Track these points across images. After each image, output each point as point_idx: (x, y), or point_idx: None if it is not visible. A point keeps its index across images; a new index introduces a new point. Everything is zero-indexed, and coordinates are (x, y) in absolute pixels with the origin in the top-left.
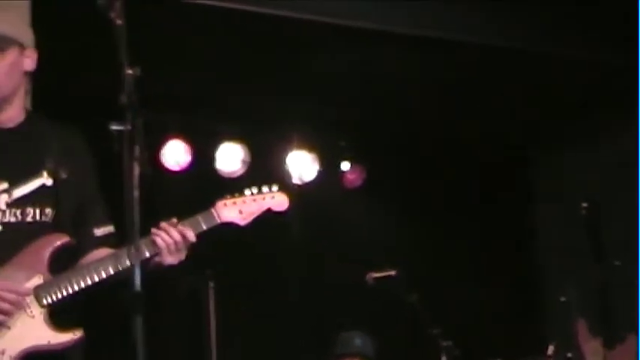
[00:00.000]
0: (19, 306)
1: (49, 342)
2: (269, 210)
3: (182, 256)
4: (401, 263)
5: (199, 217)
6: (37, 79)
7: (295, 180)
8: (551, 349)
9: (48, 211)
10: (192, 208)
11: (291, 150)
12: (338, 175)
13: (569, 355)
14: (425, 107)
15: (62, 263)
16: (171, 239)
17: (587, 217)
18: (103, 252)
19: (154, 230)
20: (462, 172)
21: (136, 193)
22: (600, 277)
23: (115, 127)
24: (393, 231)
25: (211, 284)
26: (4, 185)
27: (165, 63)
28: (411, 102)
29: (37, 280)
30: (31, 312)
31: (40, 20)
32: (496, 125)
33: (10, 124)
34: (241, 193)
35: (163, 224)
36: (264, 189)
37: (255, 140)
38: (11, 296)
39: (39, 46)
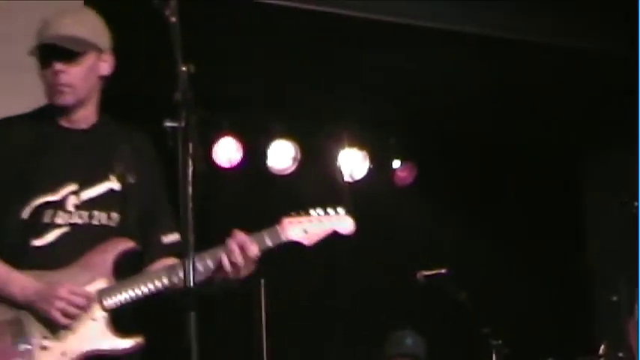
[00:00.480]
0: (86, 310)
1: (110, 347)
2: (334, 232)
3: (247, 271)
4: (451, 261)
5: (265, 234)
6: None
7: (346, 178)
8: (602, 349)
9: (114, 215)
10: (244, 205)
11: (342, 148)
12: (389, 172)
13: (621, 354)
14: (476, 105)
15: (125, 269)
16: (235, 259)
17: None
18: (169, 261)
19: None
20: (513, 170)
21: (190, 190)
22: None
23: (169, 124)
24: (444, 229)
25: (263, 284)
26: (74, 187)
27: (217, 61)
28: (462, 100)
29: (100, 284)
30: (94, 315)
31: None
32: (547, 123)
33: (83, 126)
34: (307, 212)
35: (231, 244)
36: (330, 211)
37: (307, 138)
38: (79, 300)
39: None
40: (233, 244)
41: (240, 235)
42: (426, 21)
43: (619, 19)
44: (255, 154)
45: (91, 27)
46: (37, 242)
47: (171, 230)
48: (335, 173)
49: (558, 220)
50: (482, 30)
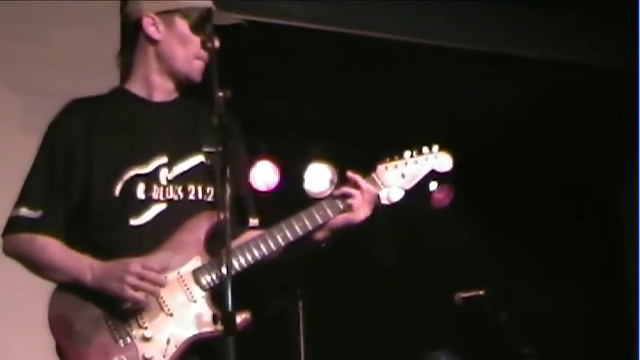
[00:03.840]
0: (162, 285)
1: (215, 328)
2: (433, 172)
3: (369, 211)
4: (489, 282)
5: (363, 181)
6: None
7: (383, 200)
8: None
9: (210, 189)
10: None
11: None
12: (426, 194)
13: None
14: (512, 126)
15: (215, 244)
16: (362, 189)
17: None
18: (252, 233)
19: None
20: (551, 189)
21: (228, 214)
22: None
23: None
24: (482, 250)
25: (301, 304)
26: (164, 159)
27: (253, 84)
28: (499, 121)
29: (195, 262)
30: (193, 296)
31: None
32: (583, 142)
33: (169, 98)
34: (401, 155)
35: (350, 174)
36: (425, 149)
37: (343, 160)
38: (152, 275)
39: None
40: (351, 174)
41: (353, 175)
42: (460, 42)
43: None
44: (292, 177)
45: None
46: (135, 221)
47: (254, 214)
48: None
49: (595, 237)
50: (513, 50)
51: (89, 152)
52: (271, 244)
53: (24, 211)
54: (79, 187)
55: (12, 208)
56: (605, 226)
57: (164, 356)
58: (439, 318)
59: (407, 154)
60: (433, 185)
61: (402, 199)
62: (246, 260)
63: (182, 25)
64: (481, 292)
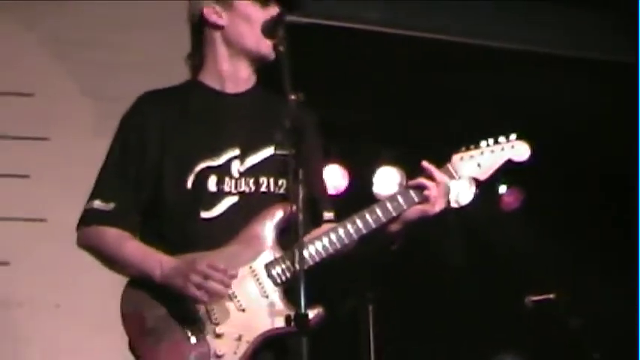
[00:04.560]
0: (228, 287)
1: (288, 325)
2: (509, 161)
3: (444, 203)
4: (560, 286)
5: (436, 171)
6: None
7: (452, 203)
8: None
9: (281, 181)
10: None
11: None
12: (495, 198)
13: None
14: (581, 130)
15: (288, 237)
16: (437, 180)
17: None
18: (325, 227)
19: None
20: (619, 193)
21: (301, 217)
22: None
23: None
24: (553, 253)
25: (371, 307)
26: (236, 151)
27: (323, 88)
28: (569, 124)
29: (267, 256)
30: (265, 292)
31: None
32: None
33: (242, 89)
34: (476, 145)
35: (425, 164)
36: (501, 138)
37: (412, 164)
38: (218, 275)
39: None
40: (426, 164)
41: (428, 166)
42: (532, 45)
43: None
44: (361, 180)
45: None
46: (206, 214)
47: (330, 208)
48: None
49: None
50: (586, 54)
51: (161, 145)
52: (343, 237)
53: (97, 204)
54: (151, 179)
55: (86, 201)
56: None
57: (235, 353)
58: (509, 321)
59: (483, 143)
60: (502, 188)
61: (471, 203)
62: (317, 252)
63: (243, 4)
64: (552, 296)
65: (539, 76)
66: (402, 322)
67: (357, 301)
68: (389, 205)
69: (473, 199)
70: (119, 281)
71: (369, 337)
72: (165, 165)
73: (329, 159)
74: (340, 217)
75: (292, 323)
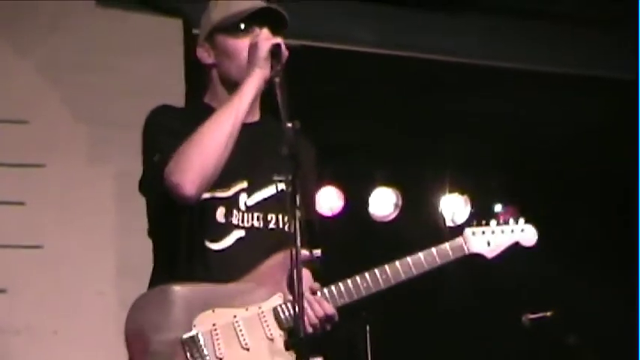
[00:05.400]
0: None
1: None
2: (516, 244)
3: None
4: (557, 303)
5: (447, 246)
6: None
7: (448, 222)
8: None
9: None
10: (345, 253)
11: (443, 193)
12: (491, 216)
13: None
14: (576, 146)
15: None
16: (314, 318)
17: None
18: (307, 274)
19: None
20: (617, 209)
21: (299, 241)
22: None
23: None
24: (549, 271)
25: (368, 327)
26: (244, 184)
27: (317, 110)
28: (563, 140)
29: (277, 299)
30: (271, 334)
31: None
32: None
33: (250, 120)
34: (487, 223)
35: (315, 299)
36: (511, 220)
37: (408, 184)
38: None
39: None
40: (315, 298)
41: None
42: (523, 63)
43: None
44: (356, 201)
45: None
46: (214, 246)
47: (318, 243)
48: (437, 218)
49: None
50: (579, 70)
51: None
52: (372, 286)
53: (156, 156)
54: None
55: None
56: None
57: None
58: (507, 339)
59: (493, 222)
60: (498, 207)
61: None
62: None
63: (221, 39)
64: (548, 314)
65: (538, 96)
66: (399, 341)
67: (353, 321)
68: (423, 260)
69: (468, 218)
70: (116, 308)
71: (367, 358)
72: None
73: (324, 181)
74: (336, 239)
75: None
